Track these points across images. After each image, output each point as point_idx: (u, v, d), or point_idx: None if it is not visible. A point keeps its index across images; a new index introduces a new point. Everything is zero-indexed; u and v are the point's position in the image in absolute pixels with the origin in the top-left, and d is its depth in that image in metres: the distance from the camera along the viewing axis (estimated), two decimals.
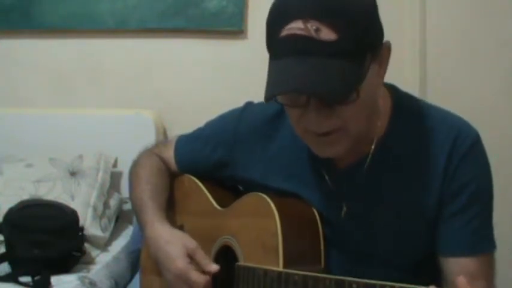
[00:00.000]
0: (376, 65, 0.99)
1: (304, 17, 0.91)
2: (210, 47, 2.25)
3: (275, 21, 0.96)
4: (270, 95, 0.95)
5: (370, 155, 1.09)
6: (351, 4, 0.93)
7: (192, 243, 1.17)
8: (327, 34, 0.91)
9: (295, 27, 0.92)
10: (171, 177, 1.38)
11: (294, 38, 0.92)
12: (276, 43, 0.95)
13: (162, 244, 1.19)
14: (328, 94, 0.92)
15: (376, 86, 1.03)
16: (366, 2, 0.97)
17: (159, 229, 1.22)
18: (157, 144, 1.46)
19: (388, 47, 1.02)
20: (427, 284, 1.13)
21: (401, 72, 2.08)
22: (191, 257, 1.15)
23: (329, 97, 0.93)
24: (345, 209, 1.12)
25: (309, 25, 0.91)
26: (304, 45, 0.91)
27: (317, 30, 0.91)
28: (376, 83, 1.02)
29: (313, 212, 1.13)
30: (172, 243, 1.17)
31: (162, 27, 2.24)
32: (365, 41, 0.94)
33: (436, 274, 1.11)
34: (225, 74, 2.25)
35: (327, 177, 1.13)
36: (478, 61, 2.13)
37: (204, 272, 1.14)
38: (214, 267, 1.14)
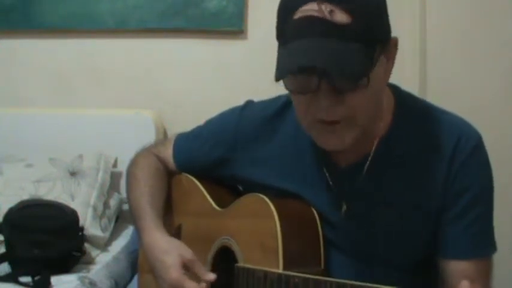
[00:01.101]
0: (385, 58, 1.00)
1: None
2: (210, 47, 2.25)
3: (288, 5, 0.96)
4: (283, 72, 0.95)
5: (371, 155, 1.09)
6: None
7: (188, 253, 1.17)
8: (341, 17, 0.91)
9: (310, 9, 0.92)
10: (169, 177, 1.37)
11: (308, 19, 0.93)
12: (288, 26, 0.95)
13: (159, 253, 1.18)
14: (344, 73, 0.92)
15: (383, 80, 1.03)
16: None
17: (156, 237, 1.21)
18: (155, 143, 1.46)
19: (395, 43, 1.03)
20: (429, 286, 1.13)
21: (402, 72, 2.07)
22: (187, 267, 1.15)
23: (345, 76, 0.93)
24: (344, 208, 1.11)
25: (323, 7, 0.91)
26: (318, 27, 0.92)
27: (331, 12, 0.91)
28: (383, 77, 1.02)
29: (312, 213, 1.13)
30: (168, 253, 1.17)
31: (162, 27, 2.24)
32: (376, 30, 0.95)
33: (435, 274, 1.11)
34: (225, 74, 2.25)
35: (328, 176, 1.13)
36: (478, 61, 2.13)
37: (200, 281, 1.13)
38: (211, 277, 1.14)
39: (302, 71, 0.94)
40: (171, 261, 1.15)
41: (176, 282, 1.13)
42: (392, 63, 1.04)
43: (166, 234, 1.23)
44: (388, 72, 1.03)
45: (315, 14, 0.92)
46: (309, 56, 0.92)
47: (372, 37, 0.95)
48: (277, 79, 0.96)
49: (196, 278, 1.14)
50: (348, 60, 0.92)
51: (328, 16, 0.91)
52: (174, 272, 1.14)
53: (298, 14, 0.94)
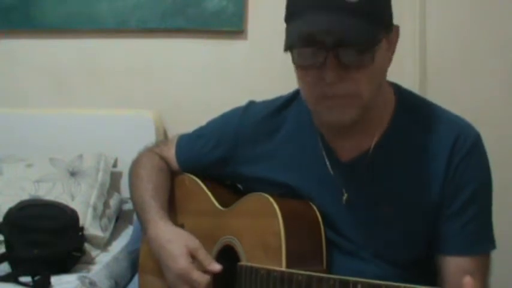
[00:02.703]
0: (387, 43, 1.02)
1: None
2: (210, 47, 2.25)
3: None
4: (294, 39, 0.98)
5: (371, 149, 1.10)
6: None
7: (194, 243, 1.17)
8: None
9: None
10: (172, 177, 1.38)
11: None
12: (297, 3, 0.98)
13: (164, 243, 1.19)
14: (352, 42, 0.95)
15: (384, 65, 1.05)
16: None
17: (161, 228, 1.22)
18: (157, 144, 1.47)
19: (397, 31, 1.05)
20: (428, 282, 1.13)
21: (402, 72, 2.08)
22: (193, 257, 1.15)
23: (357, 41, 0.95)
24: (345, 196, 1.12)
25: None
26: (328, 2, 0.94)
27: None
28: (385, 62, 1.04)
29: (315, 213, 1.13)
30: (175, 242, 1.17)
31: (162, 27, 2.24)
32: (382, 11, 0.99)
33: (434, 270, 1.11)
34: (225, 74, 2.25)
35: (329, 170, 1.13)
36: (478, 61, 2.13)
37: (206, 271, 1.14)
38: (217, 267, 1.14)
39: (311, 40, 0.96)
40: (178, 250, 1.16)
41: (183, 272, 1.13)
42: (393, 51, 1.06)
43: (172, 224, 1.23)
44: (389, 59, 1.05)
45: None
46: (319, 23, 0.95)
47: (378, 17, 0.97)
48: (287, 48, 0.99)
49: (202, 268, 1.14)
50: (356, 33, 0.94)
51: None
52: (182, 262, 1.14)
53: None
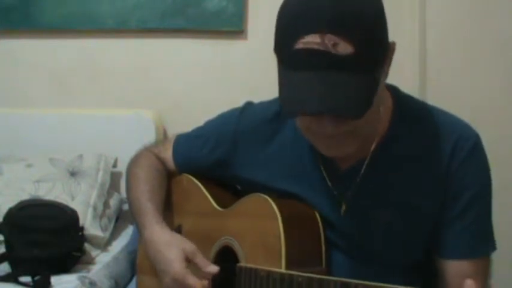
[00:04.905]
0: (386, 67, 0.99)
1: (322, 31, 0.89)
2: (210, 47, 2.25)
3: (289, 30, 0.93)
4: (292, 113, 0.97)
5: (369, 156, 1.09)
6: (366, 15, 0.92)
7: (190, 247, 1.17)
8: (344, 48, 0.89)
9: (312, 41, 0.90)
10: (169, 177, 1.38)
11: (311, 52, 0.90)
12: (289, 53, 0.93)
13: (160, 247, 1.19)
14: (350, 114, 0.92)
15: (383, 87, 1.03)
16: (378, 10, 0.96)
17: (157, 232, 1.22)
18: (155, 143, 1.47)
19: (393, 48, 1.01)
20: (427, 284, 1.13)
21: (402, 72, 2.08)
22: (190, 261, 1.15)
23: (351, 117, 0.93)
24: (343, 208, 1.12)
25: (326, 39, 0.89)
26: (322, 60, 0.90)
27: (334, 44, 0.89)
28: (383, 84, 1.02)
29: (314, 214, 1.13)
30: (171, 247, 1.17)
31: (162, 27, 2.24)
32: (380, 50, 0.95)
33: (434, 273, 1.11)
34: (225, 74, 2.25)
35: (327, 178, 1.13)
36: (478, 61, 2.13)
37: (203, 273, 1.13)
38: (213, 269, 1.14)
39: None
40: (174, 254, 1.16)
41: (178, 275, 1.13)
42: (390, 65, 1.03)
43: (168, 228, 1.23)
44: (386, 75, 1.03)
45: (319, 47, 0.90)
46: (316, 99, 0.90)
47: (377, 59, 0.95)
48: (288, 117, 1.03)
49: (199, 271, 1.14)
50: (355, 97, 0.90)
51: (331, 49, 0.89)
52: (177, 266, 1.14)
53: (300, 45, 0.91)
